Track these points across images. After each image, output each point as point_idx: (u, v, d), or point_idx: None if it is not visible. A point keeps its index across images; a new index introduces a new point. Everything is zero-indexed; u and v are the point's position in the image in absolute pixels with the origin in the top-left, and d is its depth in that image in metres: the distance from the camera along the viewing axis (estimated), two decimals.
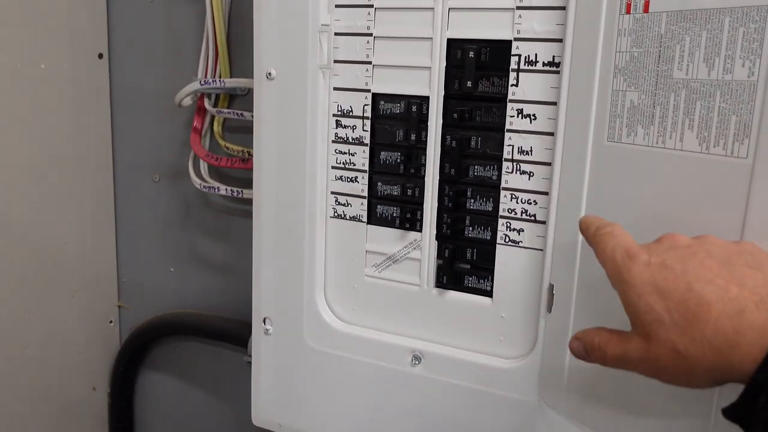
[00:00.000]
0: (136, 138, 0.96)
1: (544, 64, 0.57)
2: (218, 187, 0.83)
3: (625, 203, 0.51)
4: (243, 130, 0.86)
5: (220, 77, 0.83)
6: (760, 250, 0.42)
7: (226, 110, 0.83)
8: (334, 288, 0.70)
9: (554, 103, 0.57)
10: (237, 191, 0.82)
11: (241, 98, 0.85)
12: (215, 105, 0.85)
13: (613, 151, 0.52)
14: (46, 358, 0.94)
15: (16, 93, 0.85)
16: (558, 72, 0.56)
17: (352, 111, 0.66)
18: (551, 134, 0.57)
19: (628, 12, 0.50)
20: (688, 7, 0.46)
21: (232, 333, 0.88)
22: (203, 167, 0.87)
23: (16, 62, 0.84)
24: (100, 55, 0.94)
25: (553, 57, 0.56)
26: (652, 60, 0.49)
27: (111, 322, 1.03)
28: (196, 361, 0.99)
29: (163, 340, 1.00)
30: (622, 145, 0.51)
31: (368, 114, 0.66)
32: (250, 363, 0.76)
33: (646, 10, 0.48)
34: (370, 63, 0.64)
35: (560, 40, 0.55)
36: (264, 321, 0.73)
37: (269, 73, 0.67)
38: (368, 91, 0.65)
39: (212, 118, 0.86)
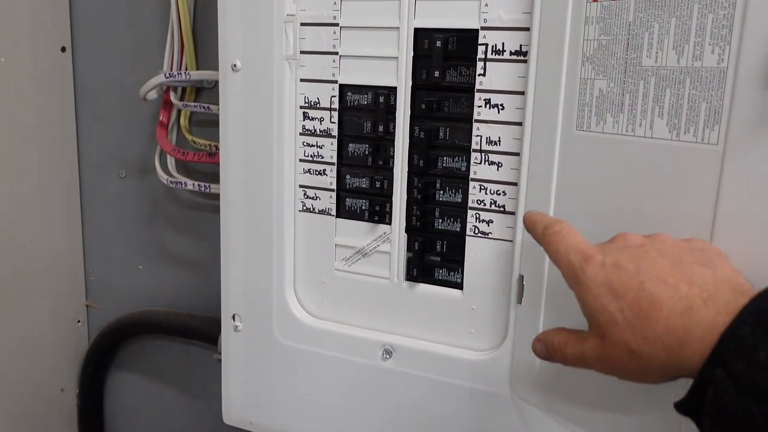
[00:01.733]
0: (101, 133, 0.94)
1: (511, 53, 0.56)
2: (185, 182, 0.82)
3: (595, 192, 0.51)
4: (210, 124, 0.85)
5: (186, 70, 0.81)
6: (711, 247, 0.43)
7: (192, 104, 0.82)
8: (304, 282, 0.69)
9: (522, 93, 0.56)
10: (204, 186, 0.81)
11: (208, 91, 0.84)
12: (182, 98, 0.84)
13: (582, 139, 0.51)
14: (12, 358, 0.92)
15: None
16: (525, 61, 0.55)
17: (319, 102, 0.65)
18: (519, 124, 0.57)
19: (595, 0, 0.49)
20: None
21: (202, 330, 0.87)
22: (170, 162, 0.85)
23: None
24: (63, 49, 0.92)
25: (521, 46, 0.56)
26: (621, 48, 0.48)
27: (79, 321, 1.01)
28: (167, 359, 0.97)
29: (132, 339, 0.98)
30: (591, 134, 0.51)
31: (335, 105, 0.65)
32: (220, 361, 0.75)
33: None
34: (336, 53, 0.64)
35: (527, 29, 0.55)
36: (233, 317, 0.72)
37: (234, 65, 0.66)
38: (335, 82, 0.64)
39: (179, 111, 0.85)
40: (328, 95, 0.65)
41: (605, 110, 0.50)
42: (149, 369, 0.99)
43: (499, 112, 0.58)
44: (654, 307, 0.39)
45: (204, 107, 0.81)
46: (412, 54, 0.60)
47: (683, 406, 0.38)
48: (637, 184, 0.49)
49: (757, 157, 0.43)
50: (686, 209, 0.46)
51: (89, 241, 0.99)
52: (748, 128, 0.43)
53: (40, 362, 0.96)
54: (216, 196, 0.74)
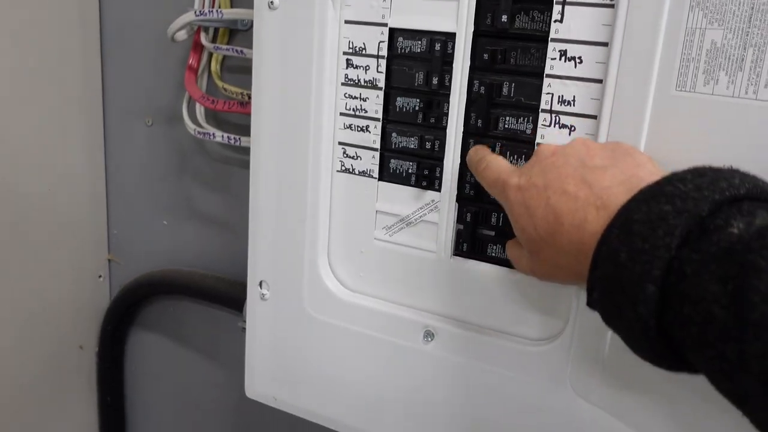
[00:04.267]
0: (127, 77, 0.88)
1: None
2: (214, 134, 0.75)
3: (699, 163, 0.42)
4: (244, 70, 0.77)
5: (218, 8, 0.74)
6: (622, 144, 0.44)
7: (224, 47, 0.75)
8: (340, 251, 0.62)
9: (605, 44, 0.47)
10: (235, 138, 0.74)
11: (243, 33, 0.77)
12: (213, 40, 0.77)
13: (683, 102, 0.43)
14: (30, 313, 0.88)
15: None
16: (612, 5, 0.46)
17: (365, 48, 0.57)
18: (600, 81, 0.48)
19: None
20: None
21: (228, 295, 0.81)
22: (199, 111, 0.79)
23: None
24: None
25: None
26: None
27: (100, 276, 0.96)
28: (190, 322, 0.93)
29: (155, 298, 0.94)
30: (696, 95, 0.42)
31: (384, 52, 0.57)
32: (245, 330, 0.69)
33: None
34: None
35: None
36: (260, 284, 0.65)
37: (271, 2, 0.58)
38: (385, 25, 0.56)
39: (210, 55, 0.78)
40: (376, 40, 0.57)
41: (718, 67, 0.41)
42: (172, 330, 0.95)
43: (576, 67, 0.49)
44: (558, 220, 0.41)
45: (237, 51, 0.73)
46: None
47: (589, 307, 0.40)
48: (757, 162, 0.40)
49: None
50: None
51: (113, 193, 0.94)
52: None
53: (59, 317, 0.92)
54: (247, 150, 0.67)
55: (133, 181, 0.92)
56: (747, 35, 0.40)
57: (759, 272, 0.30)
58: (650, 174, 0.40)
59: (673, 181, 0.36)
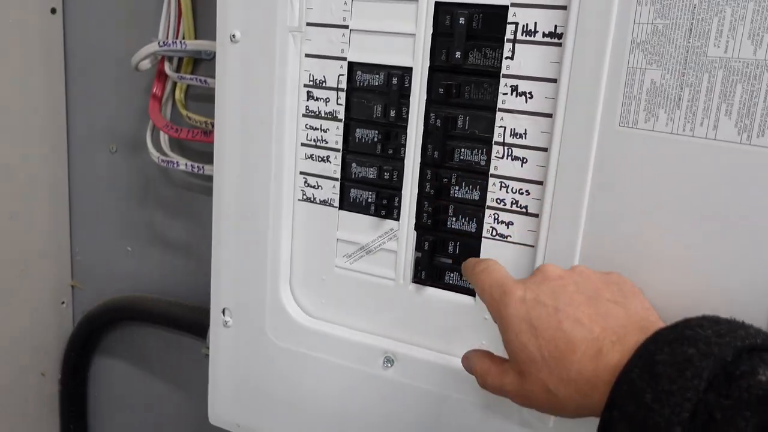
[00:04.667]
0: (92, 103, 0.88)
1: (544, 35, 0.49)
2: (177, 162, 0.76)
3: (639, 200, 0.45)
4: (208, 99, 0.78)
5: (182, 38, 0.75)
6: (625, 281, 0.44)
7: (188, 76, 0.75)
8: (301, 279, 0.63)
9: (554, 80, 0.49)
10: (198, 167, 0.74)
11: (207, 63, 0.77)
12: (178, 69, 0.77)
13: (626, 137, 0.45)
14: None
15: None
16: (560, 44, 0.49)
17: (325, 81, 0.59)
18: (549, 116, 0.50)
19: None
20: None
21: (192, 321, 0.81)
22: (163, 138, 0.79)
23: None
24: (53, 10, 0.85)
25: (555, 27, 0.49)
26: (682, 34, 0.41)
27: (63, 303, 0.95)
28: (154, 348, 0.92)
29: (118, 324, 0.93)
30: (638, 131, 0.44)
31: (343, 85, 0.58)
32: (208, 356, 0.69)
33: None
34: (347, 27, 0.57)
35: (564, 8, 0.48)
36: (223, 312, 0.66)
37: (233, 36, 0.59)
38: (344, 59, 0.58)
39: (174, 84, 0.78)
40: (335, 73, 0.58)
41: (657, 105, 0.43)
42: (136, 357, 0.94)
43: (526, 101, 0.51)
44: (569, 347, 0.39)
45: (201, 80, 0.74)
46: (431, 31, 0.54)
47: None
48: (692, 193, 0.42)
49: None
50: (758, 224, 0.40)
51: (76, 219, 0.93)
52: None
53: (21, 344, 0.91)
54: (211, 178, 0.68)
55: (97, 207, 0.91)
56: (683, 76, 0.42)
57: None
58: (657, 320, 0.41)
59: (691, 326, 0.36)
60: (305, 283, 0.63)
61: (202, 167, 0.75)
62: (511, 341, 0.42)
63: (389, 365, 0.59)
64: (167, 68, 0.76)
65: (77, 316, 0.96)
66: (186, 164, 0.75)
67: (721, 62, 0.40)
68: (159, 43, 0.73)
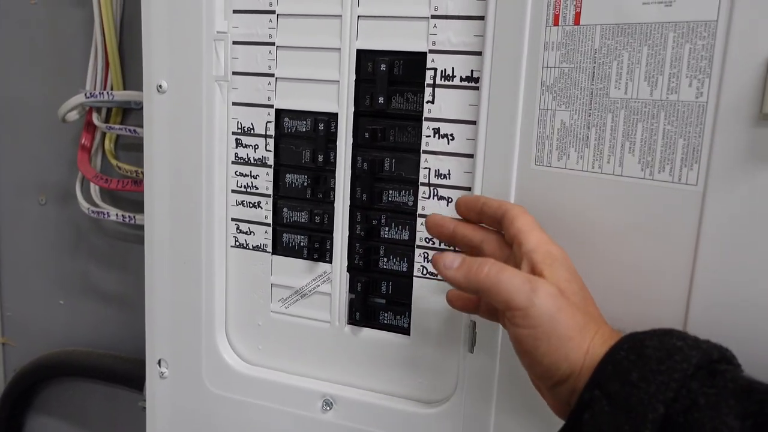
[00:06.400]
0: (19, 155, 0.87)
1: (461, 79, 0.51)
2: (108, 212, 0.75)
3: (557, 232, 0.46)
4: (138, 148, 0.77)
5: (110, 89, 0.75)
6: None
7: (117, 126, 0.75)
8: (237, 325, 0.63)
9: (473, 122, 0.51)
10: (129, 216, 0.74)
11: (136, 113, 0.77)
12: (107, 120, 0.77)
13: (541, 175, 0.47)
14: None
15: None
16: (477, 88, 0.51)
17: (253, 129, 0.59)
18: (471, 156, 0.52)
19: (555, 24, 0.45)
20: (625, 21, 0.41)
21: (128, 374, 0.79)
22: (93, 188, 0.78)
23: None
24: None
25: (472, 71, 0.51)
26: (586, 77, 0.44)
27: None
28: (90, 403, 0.90)
29: (52, 380, 0.90)
30: (552, 170, 0.46)
31: (271, 132, 0.59)
32: (145, 408, 0.68)
33: (576, 22, 0.43)
34: (272, 75, 0.58)
35: (479, 53, 0.50)
36: (159, 363, 0.65)
37: (160, 86, 0.60)
38: (271, 106, 0.58)
39: (103, 134, 0.78)
40: (263, 121, 0.59)
41: (568, 144, 0.45)
42: (71, 414, 0.92)
43: (449, 143, 0.53)
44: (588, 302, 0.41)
45: (130, 130, 0.74)
46: (354, 78, 0.55)
47: None
48: (604, 226, 0.44)
49: (739, 198, 0.39)
50: (661, 253, 0.42)
51: (6, 273, 0.91)
52: (730, 167, 0.39)
53: None
54: (143, 228, 0.67)
55: (27, 260, 0.89)
56: (589, 116, 0.44)
57: None
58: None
59: (672, 329, 0.37)
60: (241, 330, 0.63)
61: (134, 217, 0.74)
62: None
63: (328, 408, 0.59)
64: (95, 119, 0.76)
65: (9, 374, 0.93)
66: (117, 214, 0.75)
67: (622, 102, 0.43)
68: (86, 94, 0.72)
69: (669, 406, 0.33)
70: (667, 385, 0.34)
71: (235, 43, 0.58)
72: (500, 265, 0.41)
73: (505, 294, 0.39)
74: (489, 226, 0.48)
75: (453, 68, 0.51)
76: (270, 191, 0.60)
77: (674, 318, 0.42)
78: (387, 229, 0.56)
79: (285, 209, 0.60)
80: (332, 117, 0.56)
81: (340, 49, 0.55)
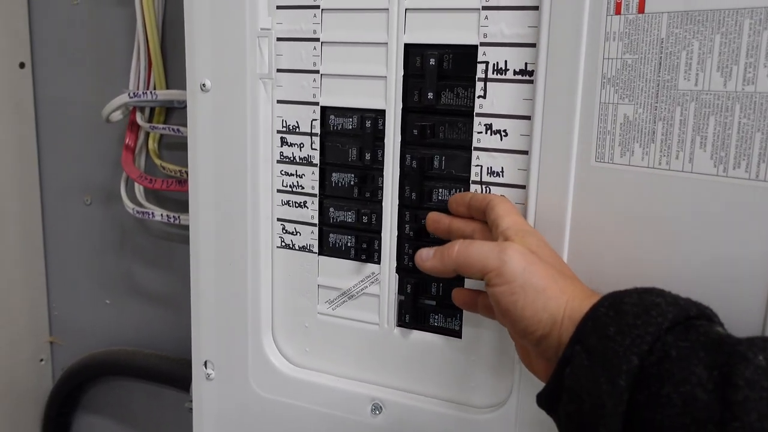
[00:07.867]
0: (64, 156, 0.87)
1: (515, 73, 0.49)
2: (153, 212, 0.74)
3: (619, 234, 0.44)
4: (182, 147, 0.77)
5: (153, 88, 0.74)
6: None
7: (160, 126, 0.75)
8: (284, 327, 0.62)
9: (528, 118, 0.49)
10: (174, 216, 0.73)
11: (179, 112, 0.77)
12: (150, 119, 0.76)
13: (603, 172, 0.44)
14: None
15: None
16: (531, 81, 0.48)
17: (298, 127, 0.58)
18: (525, 153, 0.50)
19: (617, 12, 0.42)
20: (695, 8, 0.39)
21: (174, 374, 0.79)
22: (138, 189, 0.78)
23: None
24: (22, 65, 0.85)
25: (526, 64, 0.49)
26: (651, 68, 0.41)
27: (42, 360, 0.93)
28: (137, 403, 0.90)
29: (99, 380, 0.91)
30: (614, 166, 0.44)
31: (317, 130, 0.58)
32: (191, 410, 0.68)
33: (641, 10, 0.41)
34: (317, 72, 0.56)
35: (533, 45, 0.48)
36: (205, 364, 0.64)
37: (203, 85, 0.59)
38: (316, 104, 0.57)
39: (147, 134, 0.77)
40: (308, 118, 0.58)
41: (632, 139, 0.43)
42: (118, 412, 0.92)
43: (501, 139, 0.51)
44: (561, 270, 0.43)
45: (174, 129, 0.73)
46: (402, 73, 0.53)
47: (545, 396, 0.40)
48: (671, 226, 0.42)
49: None
50: (735, 255, 0.39)
51: (53, 274, 0.91)
52: None
53: None
54: (188, 227, 0.67)
55: (74, 260, 0.90)
56: (655, 109, 0.42)
57: (746, 361, 0.32)
58: None
59: (653, 288, 0.39)
60: (288, 332, 0.62)
61: (178, 217, 0.74)
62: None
63: (378, 412, 0.58)
64: (139, 118, 0.75)
65: (57, 372, 0.94)
66: (162, 214, 0.74)
67: (693, 95, 0.40)
68: (129, 94, 0.72)
69: (644, 359, 0.35)
70: (642, 338, 0.35)
71: (279, 39, 0.57)
72: (468, 241, 0.45)
73: (477, 262, 0.43)
74: (479, 218, 0.50)
75: (506, 61, 0.49)
76: (316, 190, 0.59)
77: (754, 323, 0.40)
78: None
79: (331, 209, 0.58)
80: (379, 114, 0.55)
81: (387, 43, 0.53)
